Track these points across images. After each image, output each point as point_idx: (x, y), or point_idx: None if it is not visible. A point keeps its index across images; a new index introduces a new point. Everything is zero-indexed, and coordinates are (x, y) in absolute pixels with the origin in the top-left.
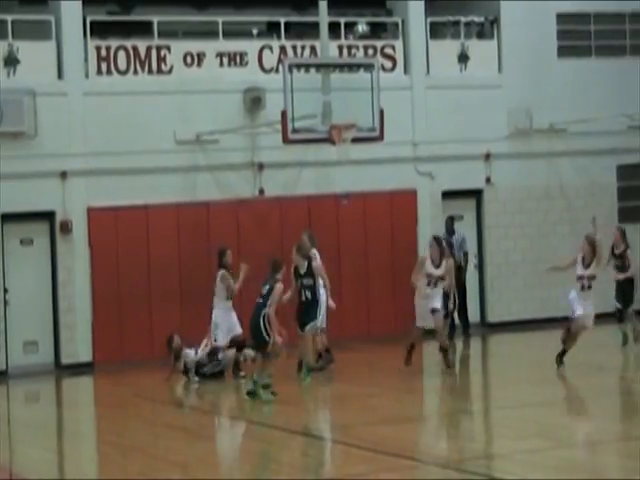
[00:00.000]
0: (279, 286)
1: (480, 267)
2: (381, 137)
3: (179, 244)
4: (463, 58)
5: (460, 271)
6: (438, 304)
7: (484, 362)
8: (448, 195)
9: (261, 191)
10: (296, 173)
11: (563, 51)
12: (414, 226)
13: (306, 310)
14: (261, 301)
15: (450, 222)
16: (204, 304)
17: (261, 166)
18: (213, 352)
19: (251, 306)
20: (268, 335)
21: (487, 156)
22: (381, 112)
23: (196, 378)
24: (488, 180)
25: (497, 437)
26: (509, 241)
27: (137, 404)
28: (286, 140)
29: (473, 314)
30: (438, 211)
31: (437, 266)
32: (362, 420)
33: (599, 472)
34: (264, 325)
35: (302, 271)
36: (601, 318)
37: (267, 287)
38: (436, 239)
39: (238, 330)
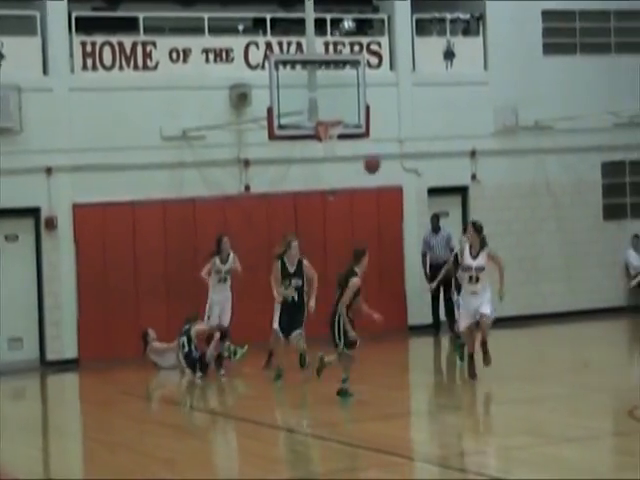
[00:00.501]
0: (355, 280)
1: None
2: (367, 134)
3: (165, 240)
4: (449, 55)
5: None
6: (487, 309)
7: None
8: (434, 192)
9: (247, 187)
10: (282, 170)
11: (549, 48)
12: (400, 223)
13: (294, 314)
14: (336, 298)
15: (435, 220)
16: (190, 300)
17: (247, 162)
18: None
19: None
20: (339, 337)
21: (473, 153)
22: (367, 109)
23: (199, 373)
24: (474, 177)
25: (485, 434)
26: (495, 238)
27: (124, 401)
28: (272, 136)
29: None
30: (424, 208)
31: (475, 256)
32: (350, 417)
33: (587, 469)
34: (338, 325)
35: (291, 270)
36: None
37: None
38: (474, 224)
39: (225, 320)
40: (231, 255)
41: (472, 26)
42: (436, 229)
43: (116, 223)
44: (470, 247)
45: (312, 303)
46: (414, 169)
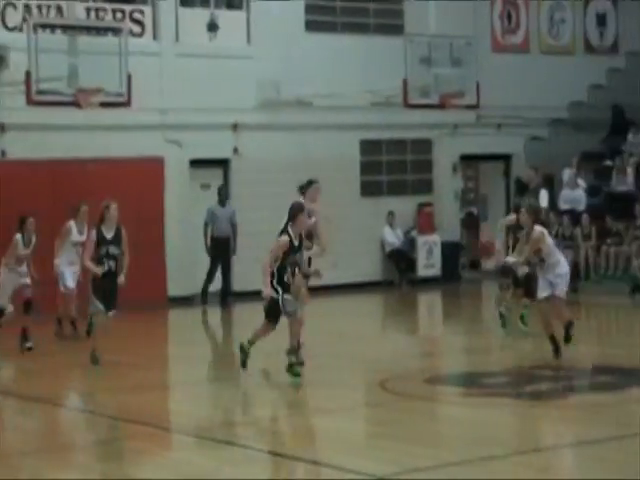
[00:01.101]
0: (282, 239)
1: None
2: (128, 103)
3: None
4: (212, 27)
5: (228, 243)
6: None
7: (226, 330)
8: (196, 164)
9: (3, 153)
10: (41, 136)
11: (311, 25)
12: (161, 194)
13: (115, 286)
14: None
15: (223, 192)
16: None
17: (3, 127)
18: None
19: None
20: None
21: (235, 126)
22: (129, 77)
23: None
24: (236, 150)
25: (244, 405)
26: (256, 212)
27: None
28: (30, 102)
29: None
30: (185, 180)
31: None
32: (108, 387)
33: (341, 439)
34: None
35: (109, 236)
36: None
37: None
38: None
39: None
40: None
41: (236, 0)
42: (223, 202)
43: None
44: None
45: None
46: (176, 140)
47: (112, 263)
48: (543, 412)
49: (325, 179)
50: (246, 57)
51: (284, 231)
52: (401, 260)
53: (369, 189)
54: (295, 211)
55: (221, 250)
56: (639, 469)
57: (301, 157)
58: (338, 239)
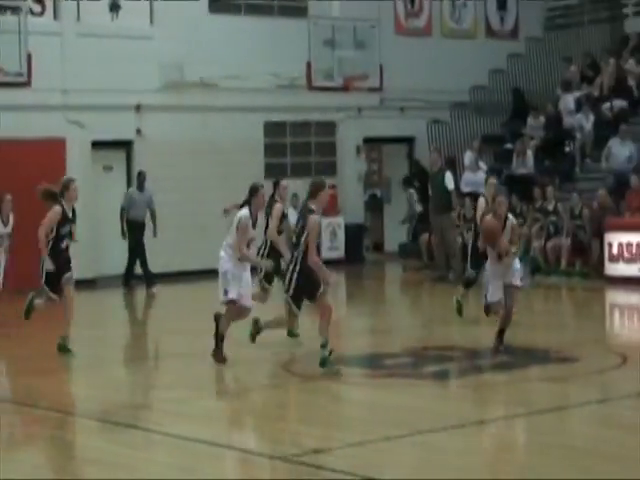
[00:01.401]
0: (314, 218)
1: None
2: (29, 83)
3: None
4: (114, 7)
5: (144, 227)
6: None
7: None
8: (98, 145)
9: None
10: None
11: (214, 7)
12: (63, 175)
13: (68, 260)
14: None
15: (142, 177)
16: None
17: None
18: None
19: None
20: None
21: (138, 107)
22: (29, 57)
23: None
24: (139, 132)
25: (146, 387)
26: (160, 194)
27: None
28: None
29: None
30: (87, 161)
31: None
32: (6, 372)
33: (239, 421)
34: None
35: (70, 214)
36: None
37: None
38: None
39: None
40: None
41: None
42: (141, 187)
43: None
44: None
45: None
46: (78, 121)
47: (68, 241)
48: (443, 392)
49: (229, 161)
50: (149, 38)
51: (310, 210)
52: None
53: (273, 171)
54: (317, 187)
55: (137, 234)
56: (531, 447)
57: (205, 139)
58: None
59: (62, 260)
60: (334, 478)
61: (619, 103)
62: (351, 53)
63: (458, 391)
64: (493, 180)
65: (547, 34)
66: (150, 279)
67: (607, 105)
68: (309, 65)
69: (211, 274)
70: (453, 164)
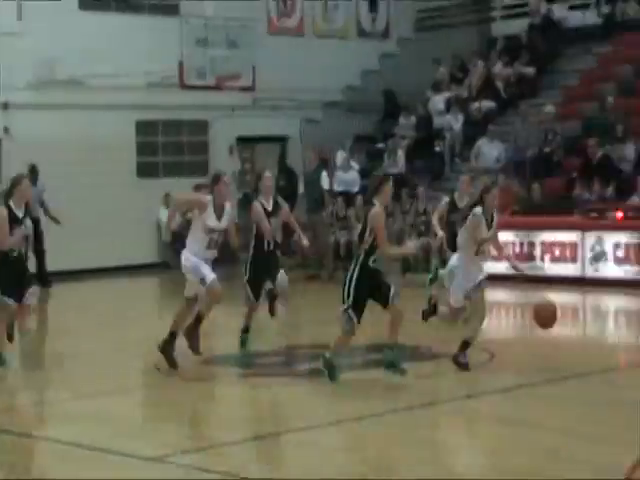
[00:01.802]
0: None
1: None
2: None
3: None
4: None
5: (39, 223)
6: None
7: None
8: None
9: None
10: None
11: (85, 4)
12: None
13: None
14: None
15: (33, 170)
16: None
17: None
18: None
19: None
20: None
21: (5, 105)
22: None
23: None
24: (6, 130)
25: (19, 390)
26: None
27: None
28: None
29: None
30: None
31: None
32: None
33: (111, 419)
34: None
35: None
36: None
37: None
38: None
39: None
40: None
41: None
42: (35, 181)
43: None
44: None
45: None
46: None
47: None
48: (316, 389)
49: (101, 160)
50: (17, 34)
51: (373, 205)
52: (180, 242)
53: (145, 170)
54: (380, 181)
55: (33, 231)
56: (406, 442)
57: (76, 138)
58: (113, 220)
59: None
60: (205, 478)
61: (487, 104)
62: (224, 52)
63: (331, 388)
64: (466, 177)
65: (418, 35)
66: (46, 277)
67: (476, 106)
68: (181, 64)
69: (78, 275)
70: (326, 163)
